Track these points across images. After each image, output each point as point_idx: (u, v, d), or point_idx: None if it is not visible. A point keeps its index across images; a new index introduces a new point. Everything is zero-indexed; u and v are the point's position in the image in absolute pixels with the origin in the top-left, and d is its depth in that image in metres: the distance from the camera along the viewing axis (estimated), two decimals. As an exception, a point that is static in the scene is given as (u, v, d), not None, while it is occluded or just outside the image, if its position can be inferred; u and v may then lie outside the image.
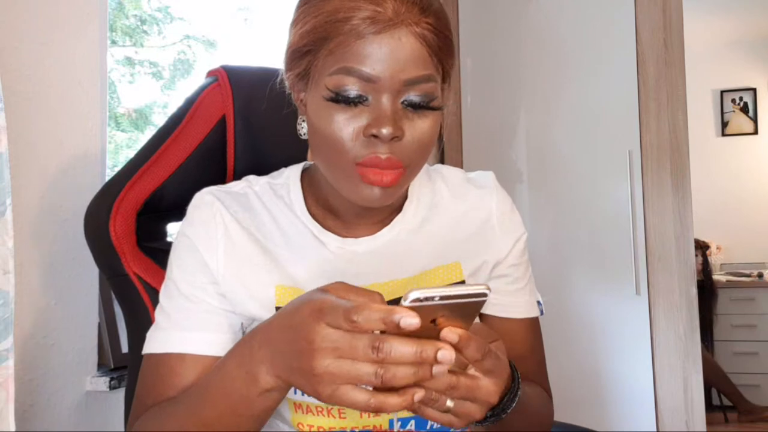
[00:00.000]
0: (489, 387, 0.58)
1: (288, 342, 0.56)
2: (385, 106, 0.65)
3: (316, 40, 0.66)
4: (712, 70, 4.57)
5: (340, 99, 0.65)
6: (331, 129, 0.66)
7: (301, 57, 0.68)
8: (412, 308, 0.51)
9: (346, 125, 0.65)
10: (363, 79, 0.64)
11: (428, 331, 0.52)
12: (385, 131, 0.64)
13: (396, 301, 0.74)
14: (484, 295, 0.52)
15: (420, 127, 0.67)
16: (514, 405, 0.65)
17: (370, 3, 0.63)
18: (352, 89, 0.65)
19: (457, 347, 0.53)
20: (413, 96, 0.66)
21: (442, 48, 0.67)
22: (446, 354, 0.51)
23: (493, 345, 0.59)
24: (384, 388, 0.52)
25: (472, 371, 0.57)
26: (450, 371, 0.55)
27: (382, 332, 0.52)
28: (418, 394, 0.53)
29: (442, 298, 0.51)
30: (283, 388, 0.59)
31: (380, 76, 0.64)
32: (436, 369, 0.52)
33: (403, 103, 0.66)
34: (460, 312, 0.53)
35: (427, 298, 0.51)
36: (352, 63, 0.64)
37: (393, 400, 0.52)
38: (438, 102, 0.68)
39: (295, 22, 0.69)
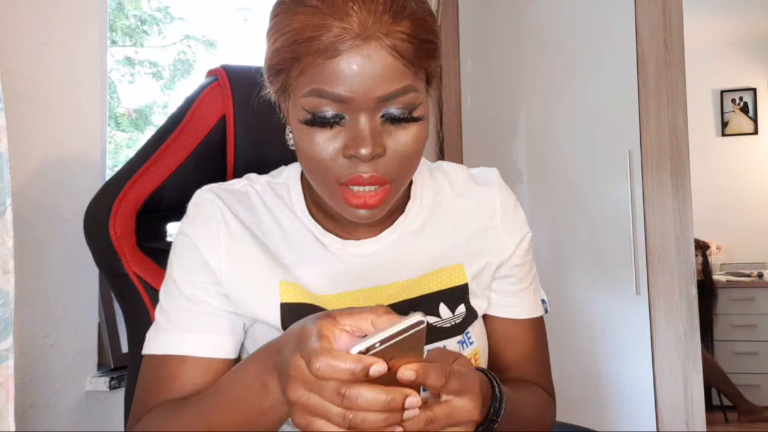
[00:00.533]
0: (466, 406, 0.56)
1: (281, 361, 0.56)
2: (362, 126, 0.63)
3: (286, 59, 0.63)
4: (712, 70, 4.57)
5: (316, 121, 0.64)
6: (311, 150, 0.65)
7: (276, 74, 0.66)
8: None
9: (326, 146, 0.64)
10: (336, 100, 0.62)
11: (385, 376, 0.52)
12: (364, 152, 0.62)
13: (399, 304, 0.74)
14: (422, 323, 0.52)
15: (402, 140, 0.65)
16: (501, 412, 0.64)
17: (335, 19, 0.60)
18: (328, 110, 0.63)
19: (416, 382, 0.53)
20: (393, 110, 0.63)
21: (420, 54, 0.63)
22: (414, 401, 0.51)
23: (455, 364, 0.58)
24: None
25: (444, 397, 0.56)
26: (423, 406, 0.54)
27: None
28: (398, 429, 0.52)
29: (382, 342, 0.51)
30: None
31: (353, 97, 0.61)
32: (407, 414, 0.52)
33: (382, 117, 0.64)
34: (407, 347, 0.53)
35: (368, 348, 0.51)
36: (323, 85, 0.61)
37: None
38: (421, 111, 0.65)
39: (268, 36, 0.67)
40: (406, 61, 0.62)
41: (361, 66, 0.61)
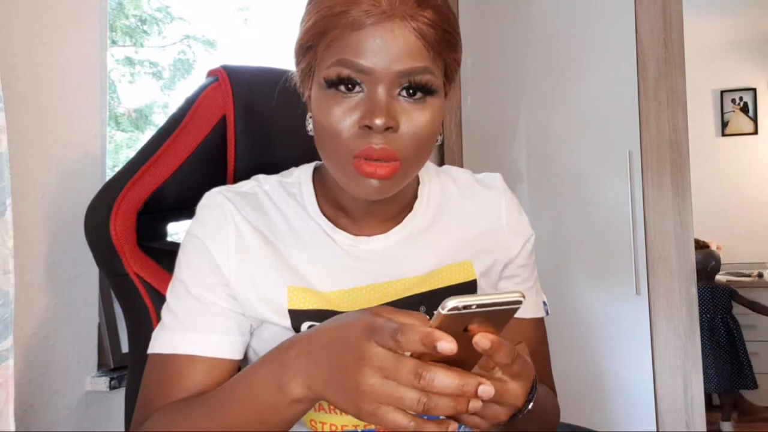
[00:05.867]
0: (516, 390, 0.58)
1: (332, 356, 0.56)
2: (379, 97, 0.65)
3: (316, 34, 0.67)
4: (712, 70, 4.57)
5: (335, 83, 0.66)
6: (329, 121, 0.67)
7: (304, 53, 0.70)
8: (448, 317, 0.52)
9: (343, 117, 0.66)
10: (358, 70, 0.65)
11: (461, 338, 0.53)
12: (378, 122, 0.64)
13: (409, 299, 0.75)
14: (519, 302, 0.53)
15: (416, 118, 0.67)
16: (530, 405, 0.65)
17: None
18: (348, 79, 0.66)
19: (488, 352, 0.54)
20: (409, 87, 0.67)
21: (441, 42, 0.67)
22: (486, 390, 0.53)
23: (517, 347, 0.59)
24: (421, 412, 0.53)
25: (499, 374, 0.58)
26: (479, 374, 0.56)
27: (422, 354, 0.53)
28: (453, 426, 0.54)
29: (478, 306, 0.52)
30: (312, 400, 0.60)
31: (374, 68, 0.65)
32: (472, 405, 0.53)
33: (399, 94, 0.67)
34: (493, 319, 0.54)
35: (465, 307, 0.51)
36: (348, 55, 0.65)
37: (431, 427, 0.53)
38: (436, 97, 0.68)
39: (302, 19, 0.71)
40: (426, 44, 0.66)
41: (384, 40, 0.64)
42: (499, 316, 0.54)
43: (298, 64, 0.72)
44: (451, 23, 0.68)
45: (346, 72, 0.65)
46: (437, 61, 0.68)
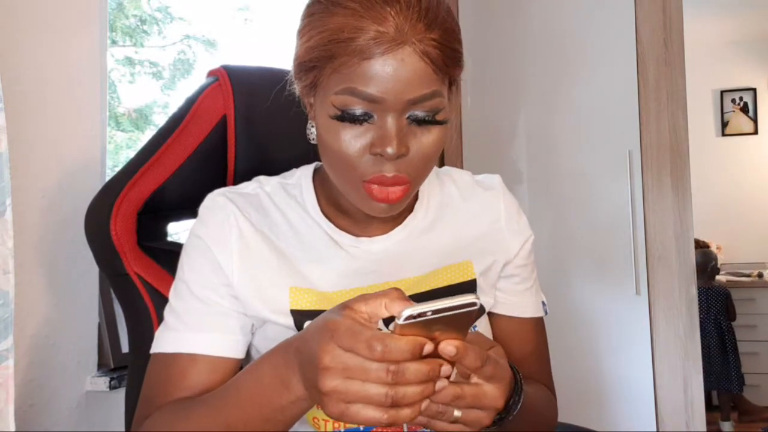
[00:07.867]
0: (493, 392, 0.59)
1: (306, 356, 0.57)
2: (389, 126, 0.65)
3: (320, 57, 0.66)
4: (712, 70, 4.58)
5: (346, 117, 0.66)
6: (338, 146, 0.67)
7: (307, 71, 0.69)
8: (407, 327, 0.52)
9: (353, 143, 0.66)
10: (368, 99, 0.64)
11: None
12: (390, 151, 0.65)
13: (410, 298, 0.75)
14: (474, 304, 0.53)
15: (425, 142, 0.68)
16: (518, 407, 0.65)
17: (373, 22, 0.63)
18: (358, 108, 0.65)
19: (455, 358, 0.55)
20: (419, 112, 0.66)
21: (448, 62, 0.66)
22: (447, 368, 0.55)
23: (491, 351, 0.60)
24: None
25: (474, 379, 0.58)
26: (453, 382, 0.57)
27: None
28: (425, 403, 0.54)
29: (433, 312, 0.52)
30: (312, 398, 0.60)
31: (384, 98, 0.64)
32: (438, 384, 0.54)
33: (408, 118, 0.66)
34: (454, 324, 0.54)
35: (420, 314, 0.52)
36: (357, 84, 0.64)
37: (404, 412, 0.53)
38: (443, 114, 0.68)
39: (301, 34, 0.70)
40: (435, 67, 0.65)
41: (395, 69, 0.63)
42: (461, 320, 0.54)
43: (299, 78, 0.71)
44: (456, 39, 0.68)
45: (355, 101, 0.65)
46: (444, 79, 0.67)
